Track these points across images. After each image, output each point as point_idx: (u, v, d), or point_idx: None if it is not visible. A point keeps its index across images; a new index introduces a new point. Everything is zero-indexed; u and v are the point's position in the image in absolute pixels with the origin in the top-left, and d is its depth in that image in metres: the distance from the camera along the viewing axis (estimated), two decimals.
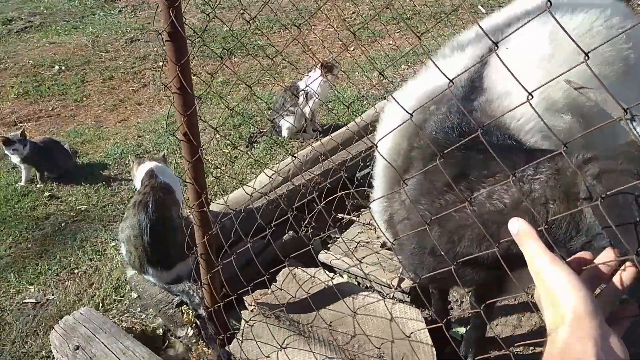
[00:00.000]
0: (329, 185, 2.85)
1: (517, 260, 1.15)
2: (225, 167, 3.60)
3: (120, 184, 3.57)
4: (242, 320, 2.13)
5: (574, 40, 0.88)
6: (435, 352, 1.98)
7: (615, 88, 1.66)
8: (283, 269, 2.43)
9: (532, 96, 1.10)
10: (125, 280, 2.57)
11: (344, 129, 3.36)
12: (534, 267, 0.86)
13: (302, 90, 3.71)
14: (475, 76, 1.66)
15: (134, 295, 2.51)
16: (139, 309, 2.45)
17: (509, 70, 1.06)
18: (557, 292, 0.79)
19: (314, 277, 2.33)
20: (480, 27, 1.06)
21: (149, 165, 2.48)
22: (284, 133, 3.90)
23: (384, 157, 1.68)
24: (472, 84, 1.65)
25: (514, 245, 1.22)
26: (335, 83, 3.98)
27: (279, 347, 1.90)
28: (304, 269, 2.41)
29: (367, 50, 5.64)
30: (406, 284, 2.38)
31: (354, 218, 2.89)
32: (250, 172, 3.47)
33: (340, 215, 2.91)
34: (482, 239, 1.31)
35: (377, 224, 1.84)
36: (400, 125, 1.40)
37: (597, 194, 0.95)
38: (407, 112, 1.33)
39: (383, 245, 2.66)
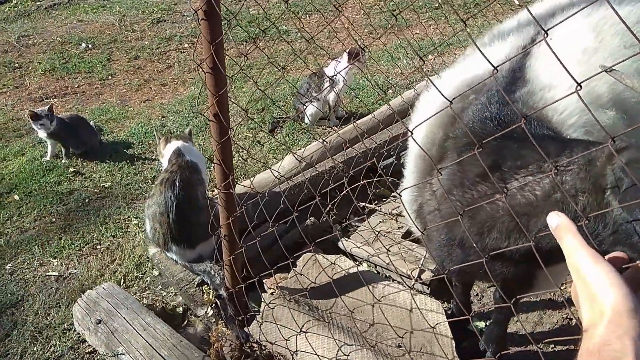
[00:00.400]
0: (352, 174, 2.84)
1: (547, 255, 1.13)
2: (249, 151, 3.60)
3: (143, 163, 3.60)
4: (262, 303, 2.14)
5: (629, 29, 0.85)
6: (454, 345, 1.97)
7: None
8: (304, 254, 2.43)
9: (581, 87, 1.06)
10: (147, 257, 2.60)
11: (369, 117, 3.32)
12: (573, 262, 0.84)
13: (328, 77, 3.68)
14: (517, 67, 1.62)
15: (155, 272, 2.54)
16: (159, 286, 2.48)
17: (559, 60, 1.03)
18: (596, 289, 0.77)
19: (334, 263, 2.33)
20: (530, 12, 1.02)
21: (176, 143, 2.49)
22: (307, 119, 3.88)
23: (419, 145, 1.66)
24: (514, 74, 1.61)
25: (544, 238, 1.20)
26: (363, 70, 3.94)
27: (299, 330, 1.91)
28: (324, 255, 2.41)
29: (394, 38, 5.57)
30: (426, 275, 2.36)
31: (376, 207, 2.87)
32: (272, 157, 3.47)
33: (362, 204, 2.89)
34: (511, 231, 1.29)
35: (406, 213, 1.82)
36: (436, 114, 1.38)
37: (623, 185, 0.93)
38: (447, 99, 1.31)
39: (405, 235, 2.64)
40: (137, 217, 2.98)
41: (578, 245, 0.85)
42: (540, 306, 2.27)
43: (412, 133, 1.50)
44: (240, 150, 3.46)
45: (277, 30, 5.89)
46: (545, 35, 0.98)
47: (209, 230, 2.08)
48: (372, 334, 2.09)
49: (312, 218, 2.66)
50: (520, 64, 1.62)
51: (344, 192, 2.67)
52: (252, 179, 2.73)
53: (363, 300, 2.20)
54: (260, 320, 2.07)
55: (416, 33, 5.78)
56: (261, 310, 2.12)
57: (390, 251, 2.51)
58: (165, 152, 2.49)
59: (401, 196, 1.84)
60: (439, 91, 1.22)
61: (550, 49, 1.03)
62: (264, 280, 2.37)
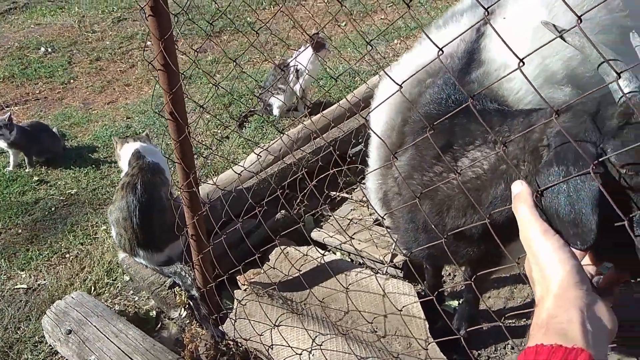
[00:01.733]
0: (320, 163, 2.82)
1: (506, 230, 1.13)
2: (216, 148, 3.55)
3: (110, 167, 3.53)
4: (235, 300, 2.12)
5: (567, 5, 0.85)
6: (427, 325, 1.99)
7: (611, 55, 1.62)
8: (276, 248, 2.42)
9: (523, 63, 1.06)
10: (117, 263, 2.55)
11: (335, 105, 3.31)
12: (525, 236, 0.83)
13: (292, 67, 3.65)
14: (472, 48, 1.62)
15: (126, 278, 2.50)
16: (131, 291, 2.44)
17: (501, 39, 1.03)
18: (545, 264, 0.78)
19: (306, 255, 2.32)
20: None
21: (133, 145, 2.43)
22: (275, 112, 3.84)
23: (375, 133, 1.65)
24: (471, 56, 1.61)
25: (498, 212, 1.21)
26: (327, 59, 3.91)
27: (272, 325, 1.90)
28: (296, 247, 2.40)
29: (358, 25, 5.55)
30: (399, 259, 2.37)
31: (347, 195, 2.87)
32: (242, 152, 3.43)
33: (332, 193, 2.88)
34: (466, 207, 1.30)
35: (369, 201, 1.82)
36: (389, 98, 1.37)
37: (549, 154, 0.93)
38: (395, 83, 1.30)
39: (376, 221, 2.65)
40: (105, 223, 2.92)
41: (531, 218, 0.83)
42: (511, 281, 2.30)
43: (367, 120, 1.50)
44: (207, 148, 3.42)
45: (241, 23, 5.81)
46: (486, 14, 0.97)
47: (175, 231, 2.05)
48: (347, 322, 2.10)
49: (282, 211, 2.64)
50: (476, 45, 1.62)
51: (313, 182, 2.67)
52: (216, 177, 2.70)
53: (336, 289, 2.21)
54: (234, 318, 2.05)
55: (382, 18, 5.78)
56: (234, 307, 2.10)
57: (356, 239, 2.52)
58: (124, 155, 2.44)
59: (365, 185, 1.84)
60: (388, 75, 1.21)
61: (493, 28, 1.03)
62: (237, 277, 2.35)
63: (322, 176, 2.50)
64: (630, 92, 0.93)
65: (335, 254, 2.56)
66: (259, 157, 2.05)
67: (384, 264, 2.39)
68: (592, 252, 0.96)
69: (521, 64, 1.04)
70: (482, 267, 1.63)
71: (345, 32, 5.46)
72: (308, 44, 3.60)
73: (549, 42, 0.99)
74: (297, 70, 3.68)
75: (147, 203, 2.18)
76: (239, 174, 1.95)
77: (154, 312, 2.28)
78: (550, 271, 0.77)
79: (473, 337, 2.07)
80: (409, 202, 1.50)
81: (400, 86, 1.26)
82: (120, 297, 2.42)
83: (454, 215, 1.37)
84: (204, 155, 3.16)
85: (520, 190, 0.89)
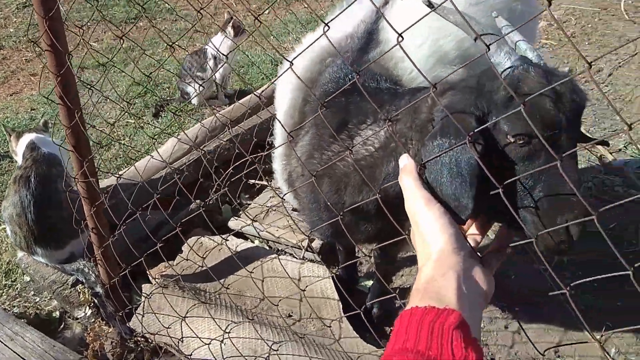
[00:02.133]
0: (237, 151, 2.76)
1: (397, 207, 1.15)
2: (130, 138, 3.39)
3: (11, 161, 3.26)
4: (143, 295, 2.03)
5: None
6: (341, 306, 2.00)
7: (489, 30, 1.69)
8: (189, 239, 2.34)
9: (402, 38, 1.07)
10: (16, 263, 2.37)
11: (251, 94, 3.25)
12: (409, 206, 0.85)
13: (210, 54, 3.54)
14: (372, 28, 1.63)
15: (27, 278, 2.32)
16: (32, 292, 2.27)
17: (388, 22, 1.03)
18: (427, 232, 0.80)
19: (221, 244, 2.27)
20: None
21: (29, 137, 2.25)
22: (194, 100, 3.72)
23: (277, 119, 1.63)
24: (370, 36, 1.62)
25: (391, 188, 1.23)
26: (248, 46, 3.83)
27: (182, 317, 1.83)
28: (210, 237, 2.34)
29: (281, 13, 5.49)
30: (316, 243, 2.37)
31: (265, 183, 2.84)
32: (157, 143, 3.29)
33: (251, 181, 2.84)
34: (362, 185, 1.31)
35: (277, 182, 1.80)
36: (282, 75, 1.35)
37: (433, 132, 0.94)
38: (287, 60, 1.28)
39: (295, 208, 2.64)
40: (4, 222, 2.70)
41: (414, 187, 0.85)
42: None
43: (262, 105, 1.46)
44: (121, 138, 3.25)
45: (159, 10, 5.57)
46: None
47: (74, 225, 1.92)
48: (263, 308, 2.08)
49: (197, 201, 2.56)
50: (375, 26, 1.63)
51: (229, 170, 2.61)
52: (127, 169, 2.57)
53: (252, 277, 2.17)
54: (142, 313, 1.97)
55: (305, 7, 5.75)
56: (142, 302, 2.01)
57: (274, 226, 2.50)
58: (19, 148, 2.25)
59: (273, 167, 1.82)
60: (278, 50, 1.19)
61: (378, 9, 1.03)
62: (148, 271, 2.25)
63: (238, 163, 2.46)
64: (511, 67, 0.96)
65: (253, 242, 2.52)
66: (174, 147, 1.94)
67: (301, 249, 2.39)
68: (478, 219, 1.00)
69: (400, 38, 1.05)
70: (389, 245, 1.65)
71: (281, 20, 5.39)
72: (229, 29, 3.50)
73: (421, 18, 1.01)
74: (214, 57, 3.57)
75: (42, 197, 2.03)
76: (135, 168, 1.85)
77: (57, 313, 2.13)
78: (431, 238, 0.79)
79: (386, 314, 2.11)
80: (311, 182, 1.50)
81: (291, 63, 1.24)
82: (20, 298, 2.24)
83: (351, 193, 1.38)
84: (119, 146, 2.99)
85: (405, 163, 0.91)
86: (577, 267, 2.25)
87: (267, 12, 5.61)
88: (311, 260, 2.38)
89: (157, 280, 2.14)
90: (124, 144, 3.03)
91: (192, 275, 2.20)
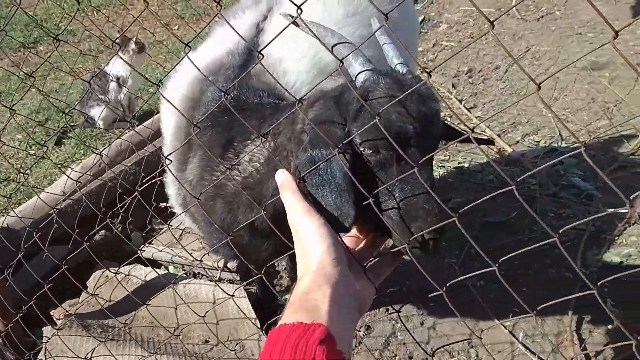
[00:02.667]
0: (143, 174, 2.66)
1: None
2: (31, 170, 3.18)
3: None
4: (44, 338, 1.90)
5: None
6: (259, 324, 1.98)
7: (377, 47, 1.74)
8: (94, 273, 2.22)
9: (263, 55, 1.07)
10: None
11: (159, 115, 3.15)
12: (291, 221, 0.85)
13: (110, 75, 3.40)
14: (253, 44, 1.63)
15: None
16: None
17: (236, 30, 1.03)
18: (307, 244, 0.81)
19: (128, 275, 2.17)
20: None
21: None
22: (99, 124, 3.55)
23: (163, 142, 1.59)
24: (250, 52, 1.61)
25: (279, 203, 1.23)
26: (148, 63, 3.71)
27: (84, 358, 1.73)
28: (116, 269, 2.22)
29: (191, 28, 5.39)
30: (232, 263, 2.33)
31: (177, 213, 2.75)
32: (60, 172, 3.11)
33: (162, 205, 2.74)
34: (251, 202, 1.30)
35: (175, 208, 1.74)
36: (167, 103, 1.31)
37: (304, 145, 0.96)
38: (151, 82, 1.25)
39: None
40: None
41: (293, 200, 0.86)
42: None
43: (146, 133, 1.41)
44: (20, 171, 3.03)
45: (60, 32, 5.29)
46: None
47: None
48: (178, 337, 2.00)
49: (103, 232, 2.44)
50: (255, 41, 1.63)
51: (133, 195, 2.51)
52: (20, 206, 2.40)
53: (165, 305, 2.09)
54: (44, 358, 1.84)
55: (216, 21, 5.68)
56: (43, 347, 1.88)
57: (188, 249, 2.42)
58: None
59: (167, 192, 1.76)
60: (139, 72, 1.15)
61: (226, 22, 1.02)
62: (51, 312, 2.11)
63: (143, 187, 2.37)
64: (362, 72, 0.99)
65: (167, 268, 2.44)
66: (77, 180, 1.83)
67: (217, 270, 2.33)
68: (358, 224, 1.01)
69: (260, 56, 1.04)
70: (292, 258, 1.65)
71: (179, 39, 5.27)
72: (127, 48, 3.37)
73: (280, 33, 1.01)
74: (118, 78, 3.44)
75: None
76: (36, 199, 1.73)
77: None
78: (311, 249, 0.80)
79: None
80: (204, 204, 1.46)
81: (158, 85, 1.21)
82: None
83: (244, 211, 1.37)
84: (16, 181, 2.79)
85: (282, 178, 0.92)
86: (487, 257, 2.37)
87: (177, 27, 5.50)
88: (229, 280, 2.33)
89: (60, 320, 2.01)
90: (19, 181, 2.83)
91: (99, 312, 2.08)
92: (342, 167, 0.92)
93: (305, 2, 1.03)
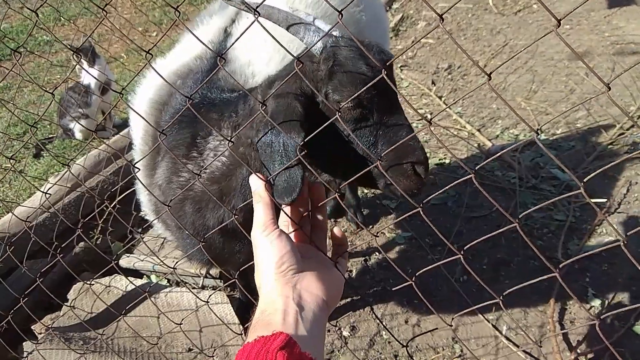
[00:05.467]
0: (121, 184, 2.64)
1: None
2: (10, 183, 3.13)
3: None
4: (25, 353, 1.87)
5: None
6: (242, 329, 1.96)
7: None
8: (75, 285, 2.19)
9: (224, 60, 1.07)
10: None
11: None
12: (253, 236, 0.85)
13: (90, 84, 3.36)
14: (221, 48, 1.62)
15: None
16: None
17: (197, 39, 1.02)
18: (261, 261, 0.82)
19: (109, 286, 2.14)
20: None
21: None
22: (77, 135, 3.51)
23: (133, 143, 1.57)
24: (216, 58, 1.61)
25: (242, 201, 1.24)
26: (122, 71, 3.67)
27: None
28: (97, 280, 2.20)
29: (169, 35, 5.35)
30: (215, 270, 2.31)
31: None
32: (39, 185, 3.07)
33: (142, 213, 2.71)
34: (220, 198, 1.29)
35: (148, 215, 1.73)
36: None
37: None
38: (114, 89, 1.24)
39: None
40: None
41: (261, 214, 0.85)
42: None
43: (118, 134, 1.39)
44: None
45: (36, 43, 5.24)
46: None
47: None
48: (161, 347, 1.98)
49: (82, 243, 2.40)
50: (223, 45, 1.62)
51: (113, 204, 2.48)
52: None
53: (147, 315, 2.07)
54: None
55: (182, 29, 5.65)
56: None
57: (170, 257, 2.40)
58: None
59: (138, 198, 1.75)
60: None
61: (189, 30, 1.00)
62: (32, 327, 2.08)
63: (122, 196, 2.35)
64: (319, 39, 1.03)
65: (149, 277, 2.41)
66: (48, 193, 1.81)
67: (200, 277, 2.32)
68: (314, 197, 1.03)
69: (222, 61, 1.04)
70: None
71: (155, 45, 5.24)
72: (98, 57, 3.33)
73: (247, 28, 1.01)
74: (101, 86, 3.40)
75: None
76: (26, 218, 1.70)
77: None
78: (264, 267, 0.81)
79: None
80: (175, 209, 1.45)
81: (120, 93, 1.19)
82: None
83: (212, 208, 1.35)
84: None
85: (257, 187, 0.90)
86: (467, 252, 2.37)
87: (154, 34, 5.47)
88: (212, 287, 2.32)
89: (41, 334, 1.98)
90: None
91: (81, 324, 2.05)
92: (294, 144, 0.97)
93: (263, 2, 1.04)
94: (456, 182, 0.99)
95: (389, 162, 1.02)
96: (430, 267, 1.09)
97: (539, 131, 0.80)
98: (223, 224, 1.32)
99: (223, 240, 1.45)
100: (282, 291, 0.78)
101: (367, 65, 0.99)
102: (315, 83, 1.03)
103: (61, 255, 2.32)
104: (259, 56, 1.53)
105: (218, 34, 1.62)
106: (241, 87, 1.07)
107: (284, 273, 0.80)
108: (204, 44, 1.09)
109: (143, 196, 1.64)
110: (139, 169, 1.39)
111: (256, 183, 0.91)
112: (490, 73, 0.74)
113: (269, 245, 0.81)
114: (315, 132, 0.95)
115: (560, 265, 0.87)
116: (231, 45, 1.05)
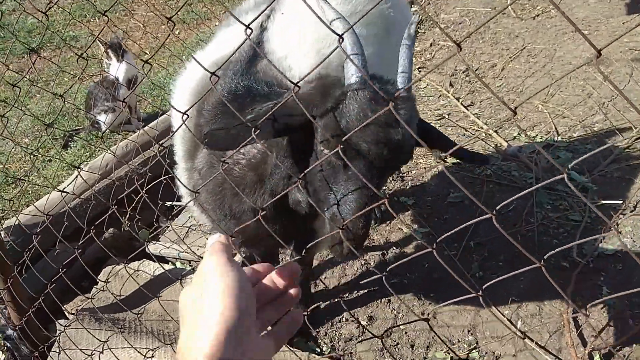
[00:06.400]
0: (149, 174, 2.73)
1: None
2: (39, 173, 3.25)
3: None
4: (58, 331, 1.96)
5: None
6: None
7: (377, 45, 1.81)
8: (104, 269, 2.29)
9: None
10: None
11: (164, 116, 3.22)
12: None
13: (117, 78, 3.47)
14: (257, 41, 1.70)
15: None
16: None
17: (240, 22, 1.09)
18: (199, 323, 0.62)
19: (138, 270, 2.23)
20: None
21: None
22: (104, 128, 3.62)
23: (174, 134, 1.65)
24: (255, 50, 1.69)
25: (281, 183, 1.33)
26: (161, 68, 3.77)
27: (99, 349, 1.79)
28: (126, 264, 2.29)
29: (193, 32, 5.47)
30: (239, 257, 2.40)
31: (183, 204, 2.82)
32: (66, 174, 3.18)
33: (168, 203, 2.81)
34: (255, 183, 1.36)
35: (182, 200, 1.81)
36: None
37: None
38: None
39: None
40: None
41: (211, 262, 0.67)
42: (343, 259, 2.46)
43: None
44: (29, 173, 3.11)
45: (63, 38, 5.37)
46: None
47: None
48: None
49: (111, 229, 2.50)
50: (259, 39, 1.70)
51: (141, 194, 2.57)
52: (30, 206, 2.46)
53: (174, 299, 2.15)
54: (58, 350, 1.90)
55: (216, 25, 5.76)
56: (57, 339, 1.94)
57: (195, 245, 2.49)
58: None
59: (178, 183, 1.83)
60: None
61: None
62: (64, 307, 2.18)
63: (149, 186, 2.43)
64: (353, 75, 1.07)
65: (175, 264, 2.50)
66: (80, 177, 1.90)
67: None
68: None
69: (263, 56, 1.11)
70: (302, 244, 1.72)
71: (181, 40, 5.36)
72: (126, 52, 3.44)
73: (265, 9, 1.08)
74: (129, 80, 3.51)
75: None
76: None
77: None
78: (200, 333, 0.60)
79: (310, 317, 2.17)
80: (213, 192, 1.53)
81: (162, 88, 1.27)
82: None
83: (248, 193, 1.43)
84: (22, 184, 2.86)
85: (212, 242, 0.72)
86: (483, 249, 2.43)
87: (178, 32, 5.58)
88: None
89: (72, 314, 2.07)
90: (29, 179, 2.89)
91: (110, 306, 2.15)
92: None
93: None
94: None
95: (331, 217, 1.08)
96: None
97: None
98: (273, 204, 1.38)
99: (257, 222, 1.52)
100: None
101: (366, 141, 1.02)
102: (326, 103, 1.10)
103: (92, 240, 2.43)
104: (296, 50, 1.61)
105: (254, 28, 1.70)
106: (282, 74, 1.13)
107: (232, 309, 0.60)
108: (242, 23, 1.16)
109: (183, 178, 1.72)
110: (181, 155, 1.47)
111: (213, 239, 0.72)
112: (516, 108, 0.79)
113: (219, 298, 0.61)
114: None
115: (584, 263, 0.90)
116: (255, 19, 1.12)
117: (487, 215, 0.78)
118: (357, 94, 1.02)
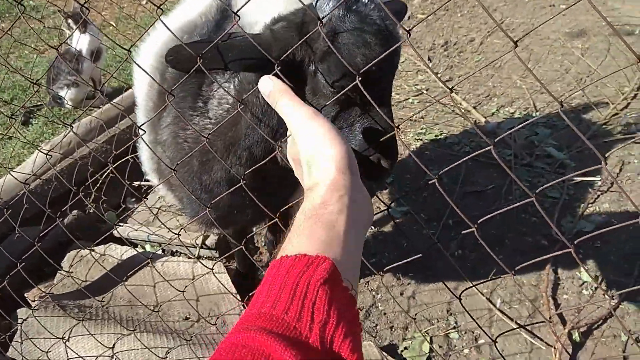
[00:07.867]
0: (115, 152, 2.59)
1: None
2: None
3: None
4: (19, 319, 1.85)
5: None
6: (240, 298, 1.96)
7: None
8: (68, 253, 2.17)
9: (239, 17, 1.06)
10: None
11: (130, 91, 3.06)
12: (291, 123, 0.75)
13: (79, 50, 3.27)
14: (225, 6, 1.59)
15: None
16: None
17: None
18: (316, 147, 0.69)
19: (104, 254, 2.12)
20: None
21: None
22: (68, 104, 3.43)
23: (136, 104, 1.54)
24: (223, 14, 1.58)
25: (255, 146, 1.23)
26: (126, 40, 3.57)
27: (63, 338, 1.69)
28: (91, 248, 2.17)
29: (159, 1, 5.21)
30: (211, 240, 2.30)
31: (152, 184, 2.69)
32: (27, 152, 3.00)
33: (136, 183, 2.68)
34: (226, 149, 1.26)
35: (146, 175, 1.70)
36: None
37: None
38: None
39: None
40: None
41: (295, 105, 0.75)
42: None
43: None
44: None
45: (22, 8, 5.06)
46: None
47: None
48: (158, 315, 1.98)
49: (75, 211, 2.37)
50: (228, 3, 1.59)
51: (106, 173, 2.44)
52: None
53: (143, 284, 2.06)
54: (19, 340, 1.79)
55: None
56: (19, 328, 1.83)
57: (165, 227, 2.36)
58: None
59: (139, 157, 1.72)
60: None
61: None
62: (25, 294, 2.06)
63: (115, 165, 2.30)
64: (329, 14, 0.97)
65: (144, 247, 2.39)
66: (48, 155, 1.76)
67: (196, 247, 2.30)
68: None
69: (237, 17, 1.01)
70: (275, 224, 1.64)
71: (149, 10, 5.11)
72: (89, 23, 3.23)
73: None
74: (92, 52, 3.30)
75: None
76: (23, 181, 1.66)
77: None
78: (324, 153, 0.68)
79: None
80: (183, 167, 1.42)
81: (129, 51, 1.16)
82: None
83: (218, 160, 1.34)
84: None
85: (272, 85, 0.80)
86: (462, 227, 2.40)
87: (145, 2, 5.32)
88: (208, 258, 2.31)
89: (35, 302, 1.96)
90: None
91: (75, 292, 2.04)
92: None
93: None
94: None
95: (360, 146, 0.99)
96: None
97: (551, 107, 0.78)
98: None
99: (230, 195, 1.42)
100: (348, 190, 0.66)
101: (363, 56, 0.92)
102: (309, 53, 0.99)
103: (54, 223, 2.30)
104: (265, 16, 1.50)
105: None
106: (244, 33, 1.02)
107: (349, 170, 0.67)
108: None
109: (144, 154, 1.60)
110: (145, 131, 1.36)
111: (269, 83, 0.79)
112: (517, 41, 0.72)
113: (327, 132, 0.69)
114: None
115: (576, 242, 0.87)
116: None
117: (530, 200, 0.78)
118: (345, 25, 0.93)
